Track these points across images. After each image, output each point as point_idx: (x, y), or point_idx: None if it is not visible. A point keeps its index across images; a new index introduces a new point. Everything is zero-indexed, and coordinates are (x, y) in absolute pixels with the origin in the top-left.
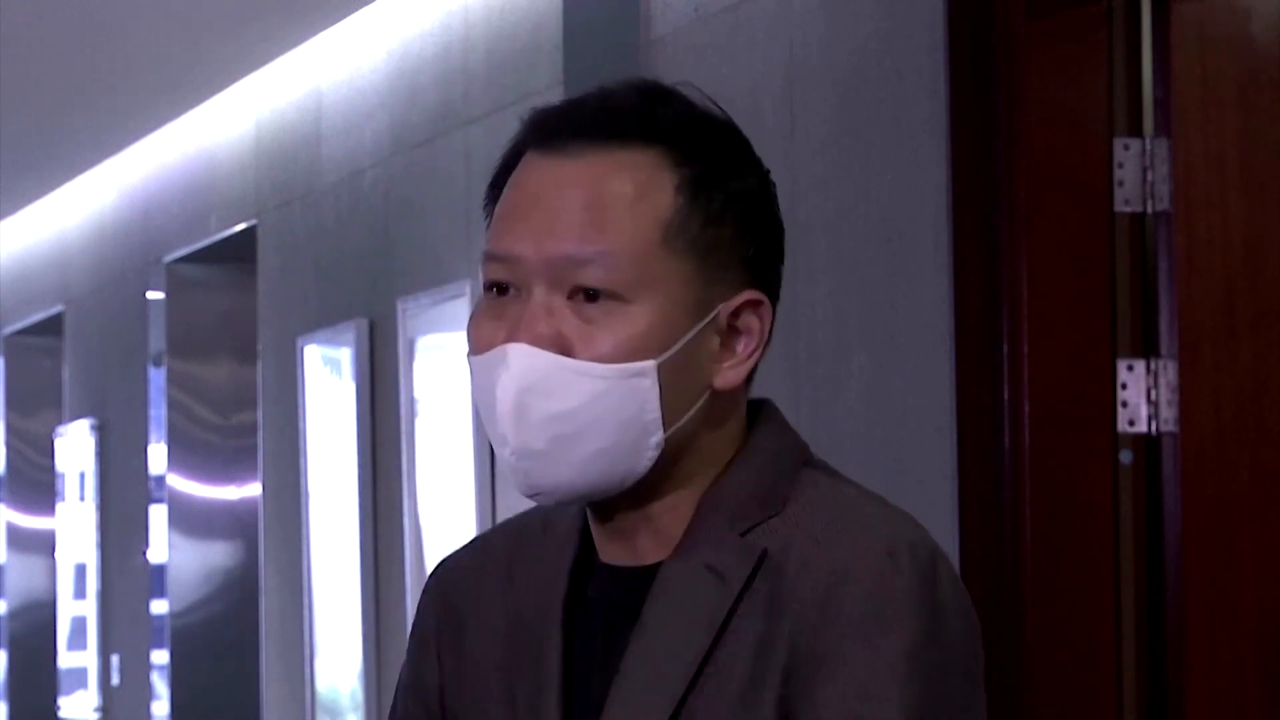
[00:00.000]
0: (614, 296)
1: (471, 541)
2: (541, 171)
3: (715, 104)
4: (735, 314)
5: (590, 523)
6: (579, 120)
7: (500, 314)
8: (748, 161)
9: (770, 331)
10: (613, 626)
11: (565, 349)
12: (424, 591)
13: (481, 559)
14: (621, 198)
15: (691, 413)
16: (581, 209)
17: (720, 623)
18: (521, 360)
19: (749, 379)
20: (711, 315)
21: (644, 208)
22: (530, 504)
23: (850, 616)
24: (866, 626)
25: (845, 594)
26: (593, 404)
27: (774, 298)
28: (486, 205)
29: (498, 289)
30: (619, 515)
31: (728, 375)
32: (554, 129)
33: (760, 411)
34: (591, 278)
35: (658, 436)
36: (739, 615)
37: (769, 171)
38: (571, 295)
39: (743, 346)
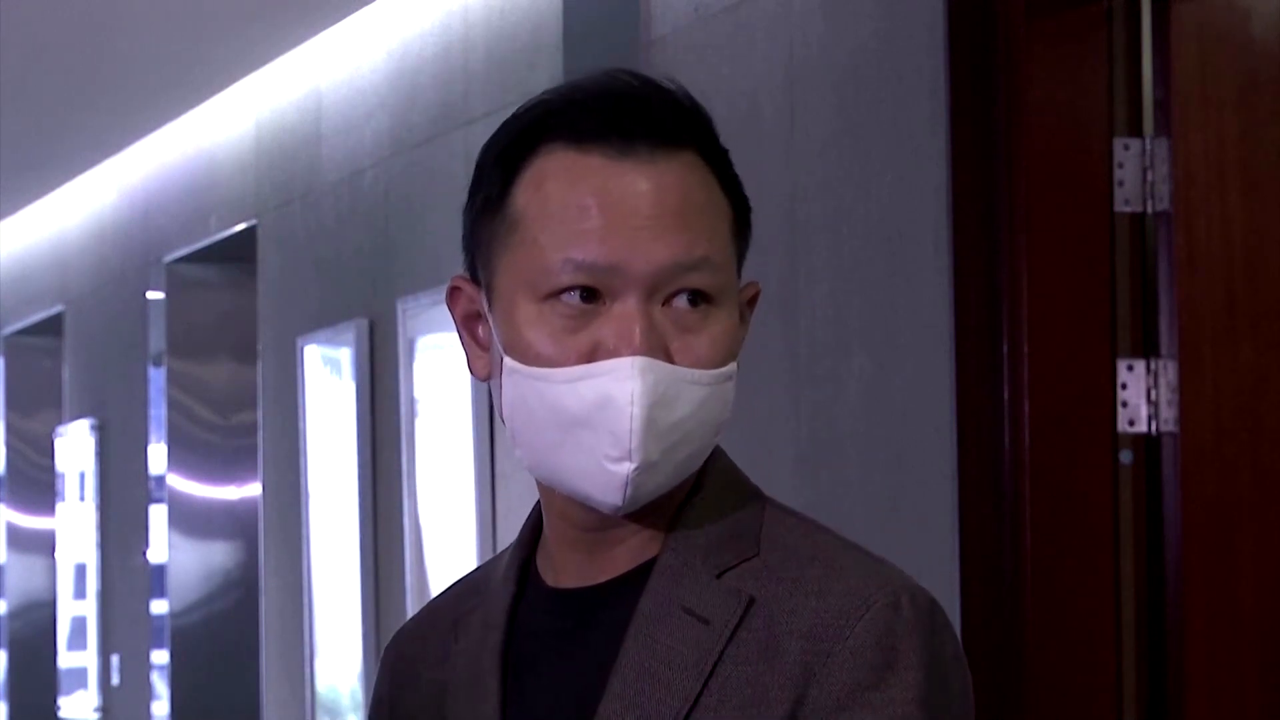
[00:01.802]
0: (710, 301)
1: (422, 609)
2: (619, 177)
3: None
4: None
5: (558, 540)
6: (630, 121)
7: (584, 324)
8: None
9: None
10: (558, 654)
11: (667, 357)
12: (380, 663)
13: (428, 623)
14: (703, 202)
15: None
16: (678, 215)
17: (709, 668)
18: (650, 374)
19: None
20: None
21: (718, 211)
22: (516, 510)
23: (859, 666)
24: (877, 676)
25: (852, 643)
26: (698, 411)
27: None
28: (489, 196)
29: (582, 295)
30: (620, 524)
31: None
32: (608, 129)
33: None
34: (698, 283)
35: (720, 436)
36: (728, 661)
37: None
38: (665, 302)
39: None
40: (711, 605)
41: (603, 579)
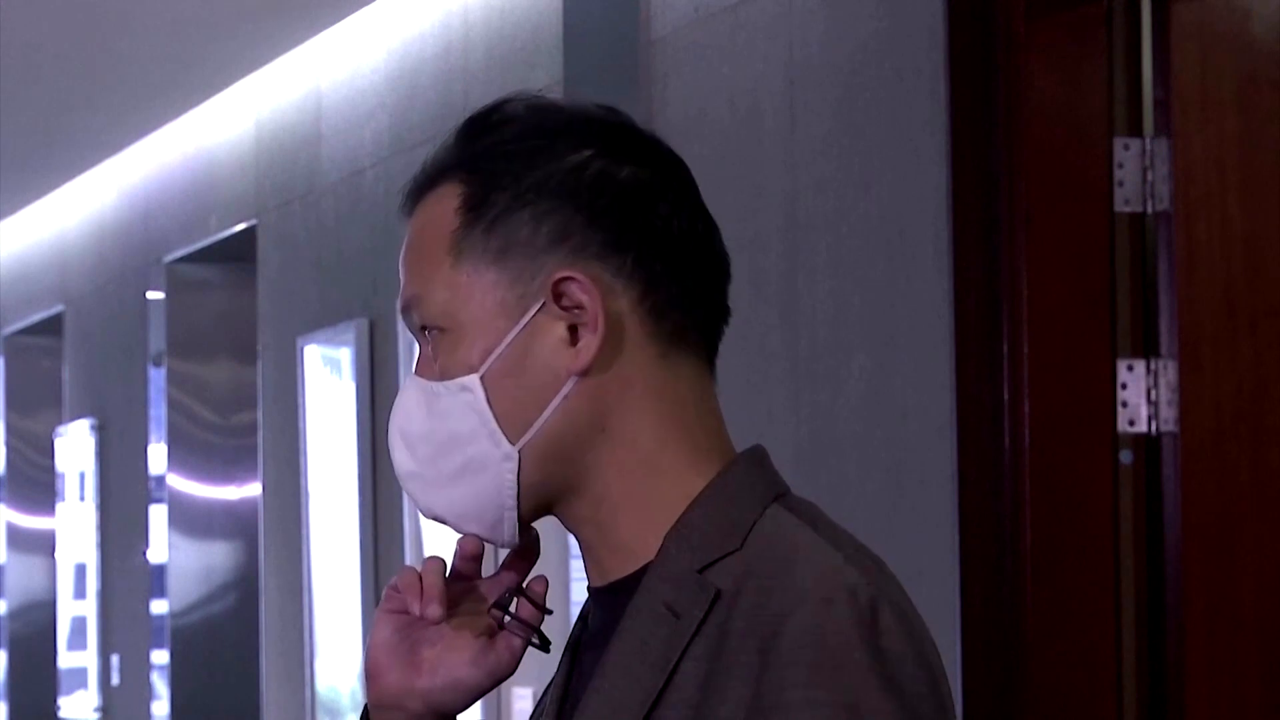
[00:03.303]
0: (437, 329)
1: None
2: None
3: (545, 98)
4: (558, 297)
5: None
6: (412, 183)
7: None
8: (554, 147)
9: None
10: (590, 648)
11: None
12: None
13: None
14: (420, 238)
15: (551, 408)
16: (404, 263)
17: (673, 663)
18: (404, 387)
19: (709, 371)
20: (535, 309)
21: (433, 237)
22: None
23: (788, 667)
24: (805, 677)
25: (782, 644)
26: (439, 421)
27: (643, 264)
28: None
29: None
30: (575, 534)
31: (580, 357)
32: (402, 202)
33: (745, 452)
34: (419, 319)
35: (505, 447)
36: (689, 657)
37: (608, 146)
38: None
39: (584, 325)
40: (685, 600)
41: (612, 577)
